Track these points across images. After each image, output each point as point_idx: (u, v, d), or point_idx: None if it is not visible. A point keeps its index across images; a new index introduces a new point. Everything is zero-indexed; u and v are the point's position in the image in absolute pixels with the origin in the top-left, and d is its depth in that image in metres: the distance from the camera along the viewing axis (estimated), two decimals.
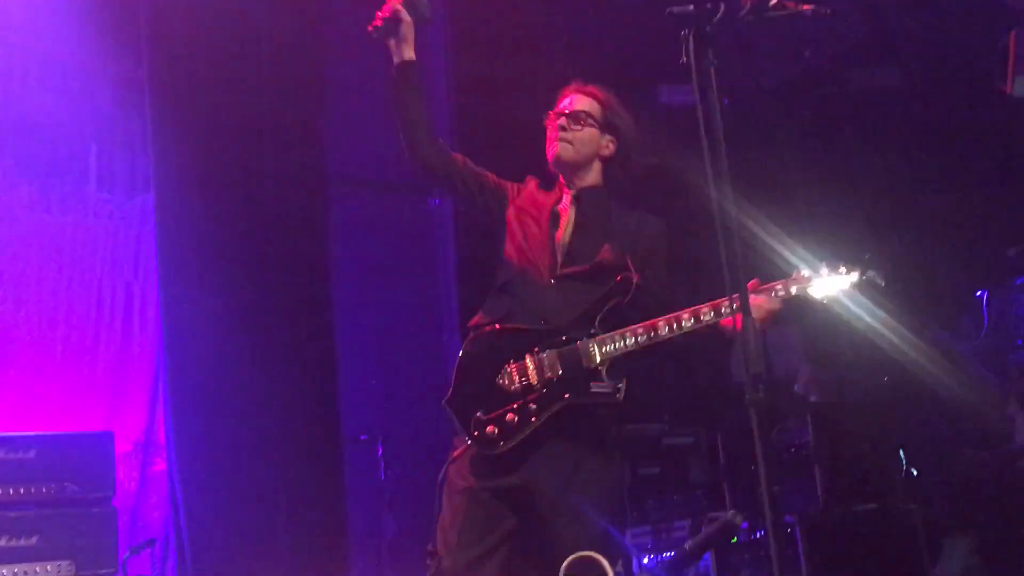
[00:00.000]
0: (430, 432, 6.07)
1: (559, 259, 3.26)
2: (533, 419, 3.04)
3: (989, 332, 6.09)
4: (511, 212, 3.38)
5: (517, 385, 3.07)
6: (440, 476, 3.18)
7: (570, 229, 3.32)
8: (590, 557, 2.08)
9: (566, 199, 3.39)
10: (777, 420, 5.32)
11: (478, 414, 3.06)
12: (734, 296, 2.68)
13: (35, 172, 5.59)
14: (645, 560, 5.40)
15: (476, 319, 3.29)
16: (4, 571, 4.34)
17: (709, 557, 5.25)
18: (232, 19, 5.76)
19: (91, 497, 4.62)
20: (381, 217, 6.58)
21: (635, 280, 3.19)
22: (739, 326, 2.74)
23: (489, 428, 3.03)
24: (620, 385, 3.12)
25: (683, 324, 3.19)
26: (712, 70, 2.64)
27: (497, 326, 3.20)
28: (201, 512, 5.41)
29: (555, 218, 3.33)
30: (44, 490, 4.53)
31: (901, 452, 5.44)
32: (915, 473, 5.52)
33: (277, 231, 5.87)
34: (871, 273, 3.32)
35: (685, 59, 2.66)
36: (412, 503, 5.55)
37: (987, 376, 5.64)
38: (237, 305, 5.69)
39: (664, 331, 3.17)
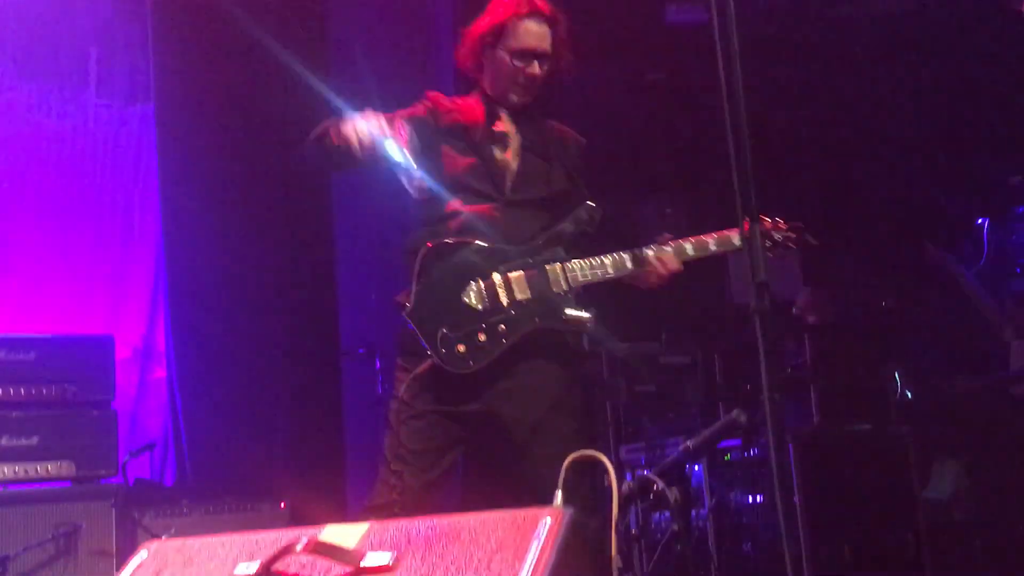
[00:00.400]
0: None
1: (508, 183, 3.16)
2: (504, 340, 2.96)
3: (988, 260, 6.11)
4: (439, 138, 3.17)
5: (485, 304, 2.97)
6: (399, 394, 3.01)
7: (517, 152, 3.22)
8: (592, 456, 2.10)
9: (505, 119, 3.25)
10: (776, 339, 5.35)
11: (444, 330, 2.93)
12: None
13: (34, 76, 5.57)
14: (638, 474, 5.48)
15: (429, 246, 3.05)
16: (5, 469, 4.41)
17: (701, 474, 5.34)
18: None
19: (91, 399, 4.67)
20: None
21: (600, 208, 3.19)
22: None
23: (459, 347, 2.92)
24: (590, 313, 3.10)
25: (694, 249, 3.28)
26: None
27: (460, 240, 3.06)
28: (200, 419, 5.49)
29: (494, 139, 3.20)
30: (45, 391, 4.58)
31: (896, 375, 5.49)
32: (909, 396, 5.58)
33: (278, 141, 5.84)
34: (808, 234, 3.39)
35: None
36: None
37: (988, 300, 5.68)
38: (236, 215, 5.70)
39: (652, 259, 3.25)
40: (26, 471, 4.45)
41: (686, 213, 6.61)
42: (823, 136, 6.61)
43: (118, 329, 5.53)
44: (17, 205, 5.47)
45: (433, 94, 3.25)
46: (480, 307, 2.96)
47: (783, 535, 2.71)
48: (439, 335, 2.92)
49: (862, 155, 6.63)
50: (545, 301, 3.03)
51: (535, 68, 3.21)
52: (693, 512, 4.36)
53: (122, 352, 5.44)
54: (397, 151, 2.96)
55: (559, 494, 2.06)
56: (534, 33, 3.21)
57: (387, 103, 6.07)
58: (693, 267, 6.56)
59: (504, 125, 3.25)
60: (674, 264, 3.24)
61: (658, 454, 5.53)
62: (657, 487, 2.01)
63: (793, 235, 3.43)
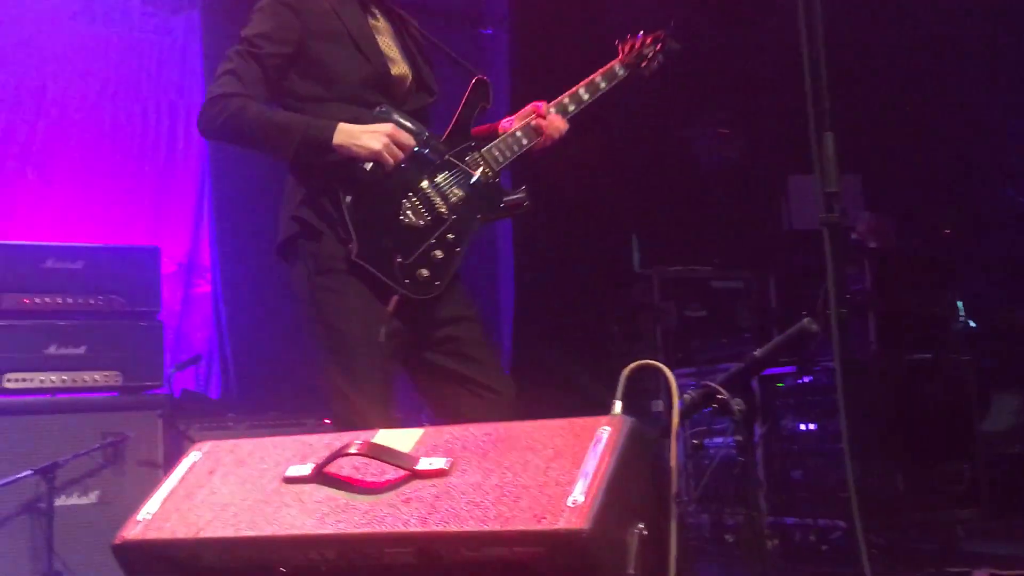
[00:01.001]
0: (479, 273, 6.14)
1: (404, 94, 2.97)
2: (458, 249, 2.87)
3: None
4: (313, 40, 2.88)
5: (425, 218, 2.84)
6: (360, 338, 2.78)
7: (402, 56, 3.00)
8: (651, 365, 2.06)
9: (379, 16, 3.03)
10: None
11: (398, 260, 2.79)
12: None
13: None
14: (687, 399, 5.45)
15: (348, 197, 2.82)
16: (53, 378, 4.46)
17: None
18: None
19: (137, 310, 4.69)
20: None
21: (488, 81, 3.05)
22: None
23: (421, 271, 2.80)
24: (524, 191, 3.02)
25: (588, 92, 3.19)
26: None
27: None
28: (244, 333, 5.54)
29: (381, 44, 2.95)
30: (91, 301, 4.61)
31: (959, 304, 5.39)
32: (972, 325, 5.48)
33: None
34: (671, 40, 3.36)
35: None
36: None
37: None
38: None
39: (569, 107, 3.14)
40: (73, 379, 4.50)
41: (743, 134, 6.50)
42: (896, 58, 6.43)
43: (163, 243, 5.56)
44: (61, 114, 5.48)
45: None
46: (422, 223, 2.85)
47: (847, 462, 2.68)
48: (395, 266, 2.79)
49: (932, 80, 6.45)
50: (479, 194, 2.95)
51: None
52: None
53: (167, 266, 5.47)
54: None
55: (618, 404, 2.02)
56: None
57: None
58: (749, 188, 6.50)
59: (380, 23, 3.04)
60: (560, 123, 3.12)
61: (710, 380, 5.49)
62: (721, 397, 1.96)
63: (660, 46, 3.37)
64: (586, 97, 3.20)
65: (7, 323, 4.42)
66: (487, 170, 2.98)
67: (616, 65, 3.28)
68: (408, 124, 2.87)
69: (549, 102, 3.14)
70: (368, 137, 2.77)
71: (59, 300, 4.55)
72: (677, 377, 5.82)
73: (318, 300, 2.83)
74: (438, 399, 2.97)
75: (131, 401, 4.53)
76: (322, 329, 2.82)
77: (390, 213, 2.82)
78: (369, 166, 2.78)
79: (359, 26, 2.94)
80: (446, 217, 2.87)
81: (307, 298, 2.85)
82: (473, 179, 2.95)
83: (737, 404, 1.94)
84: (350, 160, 2.77)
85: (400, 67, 2.98)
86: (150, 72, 5.78)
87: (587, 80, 3.23)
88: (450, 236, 2.87)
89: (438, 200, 2.88)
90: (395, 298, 2.78)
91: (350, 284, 2.79)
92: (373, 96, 2.89)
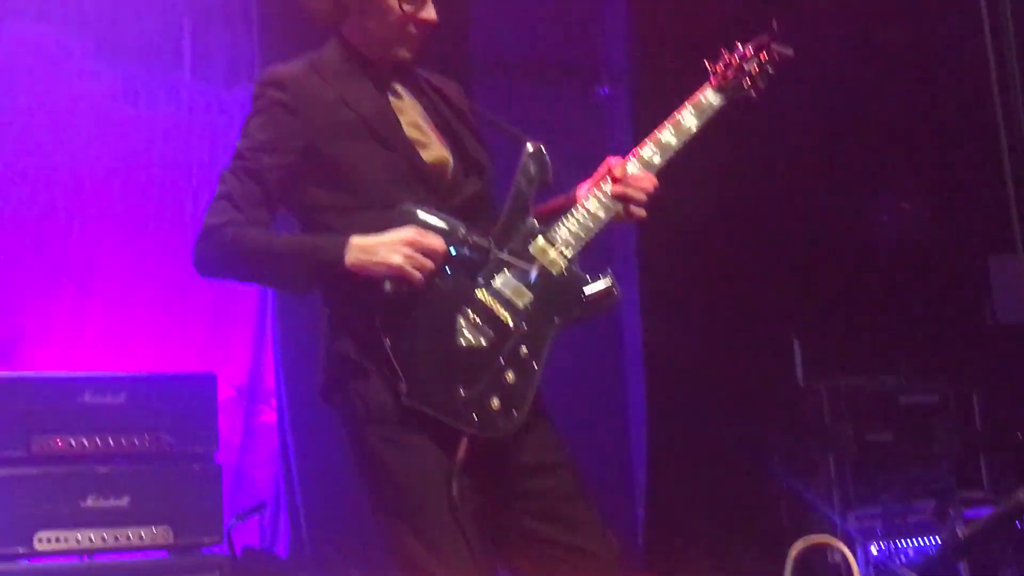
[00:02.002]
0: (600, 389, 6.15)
1: (448, 181, 2.98)
2: (535, 365, 2.83)
3: None
4: (323, 142, 2.89)
5: (488, 335, 2.82)
6: (433, 501, 2.75)
7: (436, 138, 3.02)
8: (824, 541, 2.04)
9: (400, 90, 3.05)
10: None
11: (462, 392, 2.77)
12: None
13: (120, 57, 5.82)
14: (874, 550, 5.35)
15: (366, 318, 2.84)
16: (92, 536, 4.57)
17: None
18: None
19: (191, 451, 4.81)
20: (537, 109, 6.58)
21: (544, 148, 3.00)
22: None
23: (492, 402, 2.78)
24: (610, 276, 2.93)
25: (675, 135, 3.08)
26: None
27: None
28: (317, 471, 5.59)
29: (405, 125, 2.97)
30: (136, 441, 4.73)
31: None
32: None
33: None
34: (776, 44, 3.20)
35: None
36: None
37: None
38: None
39: (654, 158, 3.04)
40: (116, 538, 4.61)
41: (929, 206, 6.44)
42: None
43: (220, 362, 5.71)
44: (101, 214, 5.71)
45: (272, 78, 2.95)
46: (485, 342, 2.82)
47: None
48: (459, 402, 2.76)
49: None
50: (552, 291, 2.90)
51: (431, 11, 2.98)
52: None
53: (224, 391, 5.61)
54: None
55: None
56: None
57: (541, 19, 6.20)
58: (942, 275, 6.41)
59: (404, 100, 3.05)
60: (644, 182, 3.01)
61: (898, 522, 5.39)
62: None
63: (764, 54, 3.21)
64: (674, 142, 3.06)
65: (38, 471, 4.55)
66: (558, 260, 2.93)
67: (708, 92, 3.13)
68: (436, 222, 2.84)
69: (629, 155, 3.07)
70: (386, 250, 2.76)
71: (98, 441, 4.68)
72: (857, 520, 5.70)
73: (374, 454, 2.82)
74: (524, 567, 2.95)
75: (184, 563, 4.62)
76: (383, 489, 2.83)
77: (443, 337, 2.80)
78: (389, 285, 2.76)
79: (376, 111, 2.95)
80: (514, 328, 2.84)
81: (361, 451, 2.86)
82: (541, 274, 2.91)
83: None
84: (371, 281, 2.76)
85: (435, 150, 2.99)
86: (202, 157, 6.00)
87: (672, 119, 3.10)
88: (523, 351, 2.83)
89: (501, 309, 2.84)
90: (464, 441, 2.76)
91: (410, 431, 2.78)
92: (409, 193, 2.90)
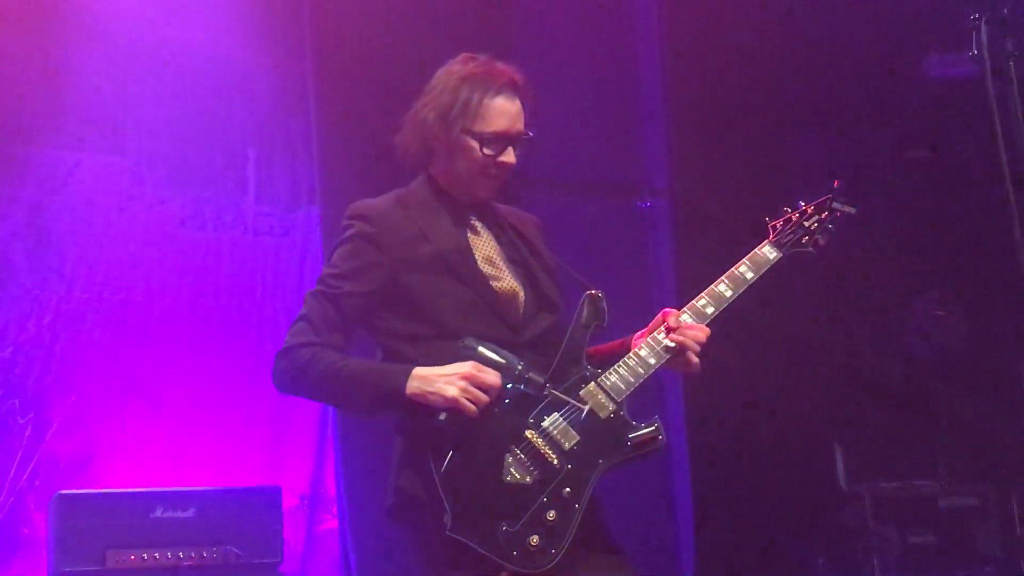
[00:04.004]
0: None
1: (520, 316, 3.05)
2: (576, 506, 2.85)
3: None
4: (402, 273, 3.00)
5: (534, 474, 2.85)
6: None
7: (509, 273, 3.10)
8: None
9: (478, 226, 3.14)
10: None
11: (504, 528, 2.80)
12: None
13: (188, 183, 5.96)
14: None
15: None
16: None
17: None
18: (406, 5, 5.95)
19: (257, 563, 4.85)
20: (582, 223, 6.66)
21: (602, 295, 3.07)
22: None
23: (531, 540, 2.80)
24: (656, 423, 2.97)
25: (731, 287, 3.13)
26: (1012, 63, 2.55)
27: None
28: None
29: (469, 259, 3.06)
30: (205, 554, 4.78)
31: None
32: None
33: None
34: (838, 203, 3.27)
35: (975, 52, 2.56)
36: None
37: None
38: None
39: (707, 308, 3.09)
40: None
41: (964, 312, 6.41)
42: None
43: (282, 473, 5.74)
44: (169, 335, 5.80)
45: (360, 212, 3.06)
46: (529, 480, 2.85)
47: None
48: (501, 537, 2.80)
49: None
50: (599, 434, 2.93)
51: (510, 155, 3.07)
52: None
53: (287, 500, 5.65)
54: None
55: None
56: (508, 113, 3.07)
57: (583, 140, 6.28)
58: (978, 380, 6.37)
59: (481, 235, 3.13)
60: (697, 333, 3.06)
61: None
62: None
63: (826, 213, 3.29)
64: (729, 294, 3.13)
65: None
66: (607, 403, 2.96)
67: (767, 248, 3.22)
68: (495, 358, 2.88)
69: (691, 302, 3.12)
70: (443, 382, 2.82)
71: (169, 555, 4.74)
72: None
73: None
74: None
75: None
76: None
77: (490, 472, 2.85)
78: (443, 416, 2.81)
79: (452, 245, 3.04)
80: (559, 469, 2.87)
81: (420, 571, 2.95)
82: (592, 417, 2.93)
83: None
84: (428, 410, 2.83)
85: (506, 282, 3.07)
86: (266, 277, 6.10)
87: (729, 273, 3.17)
88: (566, 491, 2.86)
89: (547, 449, 2.88)
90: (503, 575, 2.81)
91: (459, 563, 2.83)
92: (479, 324, 2.97)
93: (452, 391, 2.81)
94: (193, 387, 5.79)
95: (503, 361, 2.90)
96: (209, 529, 4.82)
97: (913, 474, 5.94)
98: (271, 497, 5.00)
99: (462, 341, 2.91)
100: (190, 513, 4.83)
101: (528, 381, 2.90)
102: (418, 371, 2.86)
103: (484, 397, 2.83)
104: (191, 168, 5.96)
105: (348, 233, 3.06)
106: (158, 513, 4.79)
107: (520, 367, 2.90)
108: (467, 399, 2.81)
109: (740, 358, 5.99)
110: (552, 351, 3.03)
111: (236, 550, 4.82)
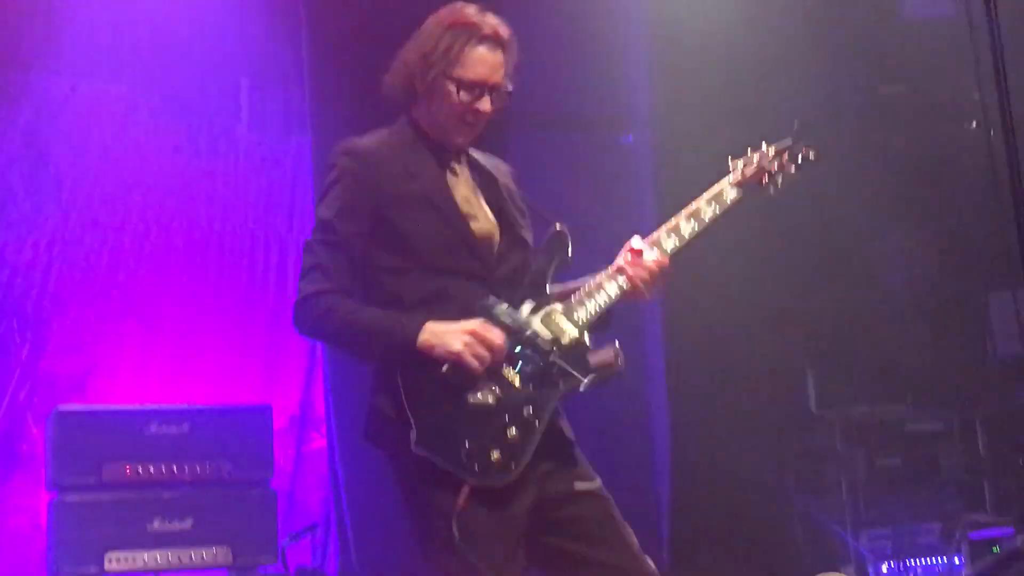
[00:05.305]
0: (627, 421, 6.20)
1: (495, 254, 3.09)
2: (537, 424, 2.91)
3: None
4: (387, 208, 3.02)
5: (497, 394, 2.91)
6: (442, 537, 2.85)
7: (485, 214, 3.13)
8: None
9: (457, 168, 3.17)
10: None
11: (466, 444, 2.86)
12: None
13: (182, 110, 5.96)
14: (884, 569, 5.36)
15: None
16: (158, 556, 4.68)
17: (962, 568, 5.18)
18: None
19: (248, 477, 4.92)
20: (566, 157, 6.67)
21: (567, 231, 3.09)
22: None
23: (492, 454, 2.87)
24: (615, 348, 2.99)
25: (691, 222, 3.15)
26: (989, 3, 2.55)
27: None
28: (365, 494, 5.64)
29: (450, 199, 3.09)
30: (199, 468, 4.85)
31: None
32: None
33: None
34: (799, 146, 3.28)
35: None
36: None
37: None
38: None
39: (667, 243, 3.11)
40: (179, 558, 4.72)
41: (934, 246, 6.44)
42: None
43: (273, 394, 5.79)
44: (164, 259, 5.83)
45: (347, 150, 3.08)
46: (492, 400, 2.90)
47: None
48: (463, 452, 2.86)
49: None
50: (562, 360, 2.97)
51: (486, 104, 3.10)
52: None
53: (277, 420, 5.70)
54: None
55: None
56: (487, 62, 3.11)
57: (569, 76, 6.26)
58: (946, 310, 6.41)
59: (459, 177, 3.17)
60: (653, 264, 3.08)
61: (907, 543, 5.40)
62: None
63: (786, 156, 3.30)
64: (689, 228, 3.17)
65: (109, 496, 4.69)
66: (571, 329, 3.01)
67: (727, 186, 3.24)
68: (506, 320, 2.94)
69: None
70: (451, 336, 2.87)
71: (163, 469, 4.81)
72: (870, 540, 5.69)
73: (403, 495, 2.97)
74: None
75: None
76: (412, 525, 2.96)
77: (456, 391, 2.90)
78: (447, 368, 2.87)
79: (435, 184, 3.08)
80: (520, 390, 2.93)
81: (397, 492, 3.00)
82: (552, 343, 2.98)
83: None
84: (434, 361, 2.88)
85: (483, 222, 3.10)
86: (258, 205, 6.12)
87: (690, 208, 3.20)
88: (528, 411, 2.92)
89: (510, 372, 2.94)
90: (465, 489, 2.84)
91: (426, 475, 2.88)
92: (458, 261, 3.02)
93: (457, 345, 2.86)
94: (187, 309, 5.83)
95: (512, 324, 2.95)
96: (202, 445, 4.88)
97: (881, 399, 6.01)
98: (262, 414, 5.05)
99: (480, 302, 2.97)
100: (184, 429, 4.88)
101: (536, 347, 2.96)
102: (430, 325, 2.91)
103: (486, 354, 2.88)
104: (185, 96, 5.95)
105: (336, 173, 3.09)
106: (153, 429, 4.84)
107: (529, 332, 2.96)
108: (471, 354, 2.86)
109: (717, 287, 6.04)
110: (523, 287, 3.08)
111: (228, 465, 4.88)
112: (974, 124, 5.20)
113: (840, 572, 2.32)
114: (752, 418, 6.10)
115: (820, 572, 5.24)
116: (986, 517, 5.55)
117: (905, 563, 5.41)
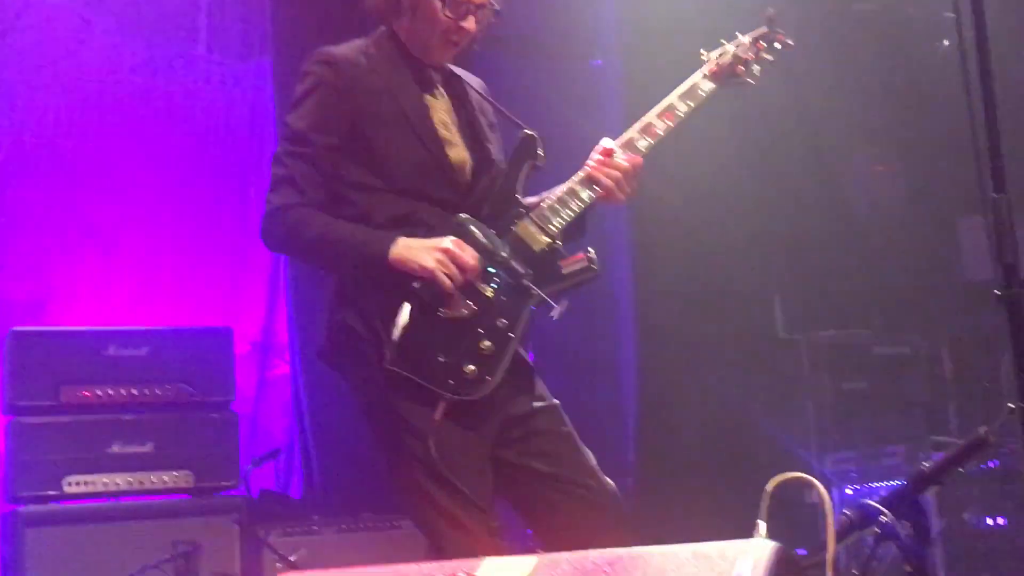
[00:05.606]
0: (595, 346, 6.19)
1: (466, 181, 3.06)
2: (511, 335, 2.90)
3: None
4: (364, 124, 2.99)
5: (470, 307, 2.89)
6: (416, 454, 2.85)
7: (461, 139, 3.10)
8: (801, 479, 2.08)
9: (437, 89, 3.12)
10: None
11: (440, 359, 2.86)
12: None
13: (138, 30, 5.82)
14: (849, 492, 5.39)
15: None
16: (117, 480, 4.64)
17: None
18: None
19: (209, 401, 4.87)
20: (535, 81, 6.59)
21: (537, 135, 3.07)
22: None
23: (467, 368, 2.85)
24: (589, 252, 2.99)
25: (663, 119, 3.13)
26: None
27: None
28: (329, 420, 5.64)
29: (437, 124, 3.06)
30: (159, 391, 4.80)
31: None
32: None
33: None
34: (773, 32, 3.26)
35: None
36: None
37: None
38: None
39: (639, 141, 3.09)
40: (140, 482, 4.68)
41: (903, 168, 6.44)
42: None
43: (235, 320, 5.73)
44: (123, 179, 5.73)
45: (324, 58, 3.03)
46: (467, 313, 2.89)
47: None
48: (437, 367, 2.85)
49: None
50: (534, 268, 2.97)
51: (471, 22, 3.06)
52: None
53: (240, 346, 5.65)
54: None
55: (762, 525, 2.04)
56: None
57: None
58: (915, 234, 6.40)
59: (438, 98, 3.12)
60: (622, 165, 3.06)
61: (872, 465, 5.43)
62: (885, 520, 1.96)
63: (762, 43, 3.31)
64: (662, 127, 3.14)
65: (67, 419, 4.63)
66: (542, 236, 2.99)
67: (701, 79, 3.21)
68: (481, 239, 2.93)
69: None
70: (423, 252, 2.86)
71: (123, 391, 4.75)
72: (834, 464, 5.72)
73: (370, 413, 2.96)
74: (527, 504, 3.04)
75: (204, 505, 4.70)
76: (381, 442, 2.96)
77: (428, 308, 2.88)
78: (418, 284, 2.85)
79: (414, 104, 3.04)
80: (493, 300, 2.91)
81: (361, 409, 2.99)
82: (525, 251, 2.97)
83: (904, 529, 1.93)
84: (404, 276, 2.86)
85: (458, 151, 3.07)
86: (218, 127, 6.02)
87: (663, 105, 3.16)
88: (501, 322, 2.90)
89: (482, 283, 2.92)
90: (441, 404, 2.84)
91: (398, 393, 2.87)
92: (432, 186, 2.99)
93: (429, 261, 2.84)
94: (147, 231, 5.76)
95: (488, 244, 2.94)
96: (162, 367, 4.82)
97: (849, 324, 6.02)
98: (222, 337, 5.00)
99: (455, 218, 2.95)
100: (143, 352, 4.82)
101: (509, 268, 2.94)
102: (403, 240, 2.89)
103: (457, 272, 2.86)
104: (141, 14, 5.81)
105: (311, 82, 3.03)
106: (111, 351, 4.78)
107: (504, 253, 2.94)
108: (442, 271, 2.84)
109: (684, 212, 6.01)
110: (492, 204, 3.05)
111: (188, 388, 4.83)
112: (945, 43, 5.20)
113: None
114: (719, 343, 6.11)
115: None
116: (950, 440, 5.59)
117: (870, 486, 5.45)
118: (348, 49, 3.08)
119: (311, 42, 5.71)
